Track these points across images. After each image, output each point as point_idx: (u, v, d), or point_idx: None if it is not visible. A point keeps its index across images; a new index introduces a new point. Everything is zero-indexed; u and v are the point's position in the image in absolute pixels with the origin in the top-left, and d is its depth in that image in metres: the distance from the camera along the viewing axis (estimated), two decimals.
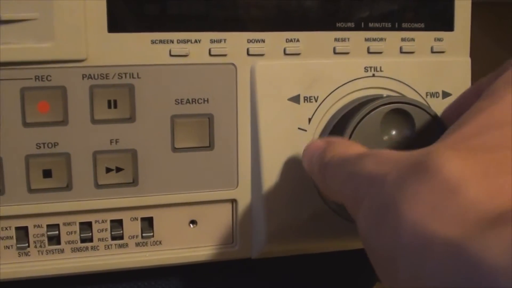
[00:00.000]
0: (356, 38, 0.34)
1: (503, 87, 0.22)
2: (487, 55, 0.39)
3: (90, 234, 0.33)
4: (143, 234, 0.34)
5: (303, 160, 0.30)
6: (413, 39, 0.35)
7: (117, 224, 0.33)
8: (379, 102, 0.32)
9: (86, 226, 0.33)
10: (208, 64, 0.32)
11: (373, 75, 0.34)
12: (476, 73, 0.37)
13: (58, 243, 0.33)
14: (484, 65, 0.37)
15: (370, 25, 0.34)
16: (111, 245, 0.33)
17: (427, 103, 0.35)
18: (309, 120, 0.33)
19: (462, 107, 0.27)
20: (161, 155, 0.33)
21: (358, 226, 0.22)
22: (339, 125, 0.33)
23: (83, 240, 0.33)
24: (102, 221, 0.33)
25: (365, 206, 0.21)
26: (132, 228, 0.34)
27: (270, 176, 0.33)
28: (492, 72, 0.27)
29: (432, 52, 0.35)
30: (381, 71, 0.34)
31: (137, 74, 0.32)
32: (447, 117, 0.32)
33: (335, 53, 0.34)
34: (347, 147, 0.27)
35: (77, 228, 0.33)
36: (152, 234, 0.34)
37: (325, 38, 0.34)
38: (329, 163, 0.26)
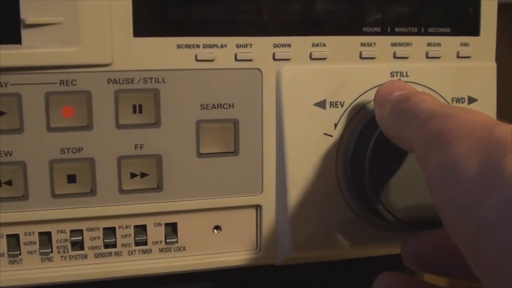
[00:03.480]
0: (382, 43, 0.34)
1: None
2: (502, 59, 0.38)
3: (114, 239, 0.33)
4: (167, 240, 0.33)
5: (379, 91, 0.30)
6: (439, 44, 0.35)
7: (141, 229, 0.33)
8: None
9: (110, 231, 0.33)
10: (234, 69, 0.32)
11: (399, 80, 0.34)
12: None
13: (82, 248, 0.33)
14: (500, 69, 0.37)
15: (396, 29, 0.34)
16: (134, 250, 0.33)
17: None
18: (335, 125, 0.33)
19: None
20: (185, 161, 0.32)
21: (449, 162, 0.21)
22: (366, 131, 0.32)
23: (106, 246, 0.33)
24: (126, 227, 0.33)
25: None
26: (156, 233, 0.33)
27: (295, 182, 0.33)
28: None
29: (458, 57, 0.35)
30: (407, 76, 0.34)
31: (163, 78, 0.31)
32: None
33: (361, 58, 0.34)
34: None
35: (100, 233, 0.33)
36: (176, 239, 0.33)
37: (351, 42, 0.33)
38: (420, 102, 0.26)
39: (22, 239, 0.32)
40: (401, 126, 0.26)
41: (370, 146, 0.31)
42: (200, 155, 0.32)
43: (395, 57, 0.34)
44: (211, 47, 0.32)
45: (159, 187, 0.32)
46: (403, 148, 0.27)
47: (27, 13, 0.29)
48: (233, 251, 0.34)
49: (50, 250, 0.32)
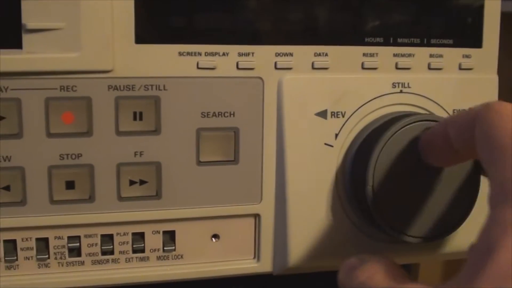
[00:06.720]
0: (385, 54, 0.34)
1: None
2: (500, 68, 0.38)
3: (111, 246, 0.33)
4: (165, 248, 0.33)
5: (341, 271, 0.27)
6: (441, 56, 0.35)
7: (139, 237, 0.33)
8: (408, 120, 0.31)
9: (108, 238, 0.33)
10: (235, 78, 0.32)
11: (401, 91, 0.34)
12: None
13: (79, 255, 0.32)
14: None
15: (399, 40, 0.34)
16: (132, 258, 0.33)
17: None
18: (336, 135, 0.33)
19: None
20: (185, 168, 0.32)
21: None
22: (367, 142, 0.32)
23: (104, 253, 0.33)
24: (124, 234, 0.33)
25: None
26: (153, 241, 0.33)
27: (295, 192, 0.33)
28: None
29: (460, 69, 0.35)
30: (408, 87, 0.34)
31: (164, 86, 0.31)
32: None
33: (363, 68, 0.34)
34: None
35: (98, 240, 0.32)
36: (173, 247, 0.33)
37: (354, 53, 0.33)
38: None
39: (19, 244, 0.32)
40: None
41: (370, 161, 0.31)
42: (200, 163, 0.32)
43: (397, 68, 0.34)
44: (213, 55, 0.31)
45: (158, 195, 0.32)
46: None
47: (28, 18, 0.28)
48: (231, 260, 0.34)
49: (47, 256, 0.32)
